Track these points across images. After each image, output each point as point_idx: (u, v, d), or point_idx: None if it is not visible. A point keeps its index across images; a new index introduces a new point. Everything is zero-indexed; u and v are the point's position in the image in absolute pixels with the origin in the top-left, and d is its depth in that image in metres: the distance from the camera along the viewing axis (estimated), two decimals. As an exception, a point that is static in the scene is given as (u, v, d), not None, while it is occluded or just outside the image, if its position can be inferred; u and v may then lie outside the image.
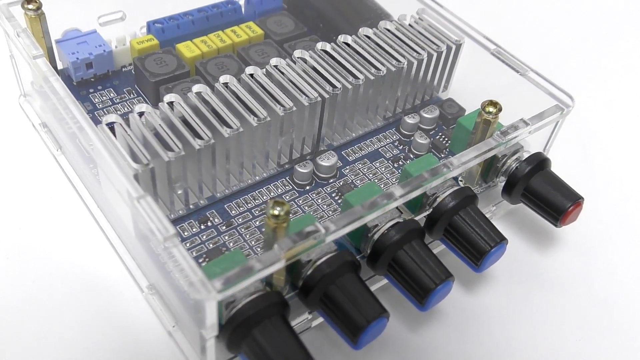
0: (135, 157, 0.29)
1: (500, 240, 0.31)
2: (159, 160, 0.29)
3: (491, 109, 0.32)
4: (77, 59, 0.37)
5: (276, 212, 0.25)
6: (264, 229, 0.32)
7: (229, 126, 0.30)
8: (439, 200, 0.31)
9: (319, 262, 0.27)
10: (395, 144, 0.37)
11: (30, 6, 0.34)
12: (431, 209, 0.31)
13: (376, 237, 0.29)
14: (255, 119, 0.31)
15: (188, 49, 0.38)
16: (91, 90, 0.38)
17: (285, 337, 0.25)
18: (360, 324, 0.26)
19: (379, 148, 0.37)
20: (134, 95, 0.38)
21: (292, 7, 0.44)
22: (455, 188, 0.31)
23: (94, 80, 0.38)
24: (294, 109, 0.32)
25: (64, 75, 0.38)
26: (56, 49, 0.37)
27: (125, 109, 0.37)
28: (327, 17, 0.43)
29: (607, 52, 0.52)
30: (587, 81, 0.48)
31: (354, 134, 0.37)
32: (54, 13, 0.35)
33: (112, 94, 0.38)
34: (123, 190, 0.27)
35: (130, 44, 0.38)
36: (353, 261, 0.28)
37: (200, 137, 0.30)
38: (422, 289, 0.29)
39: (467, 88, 0.41)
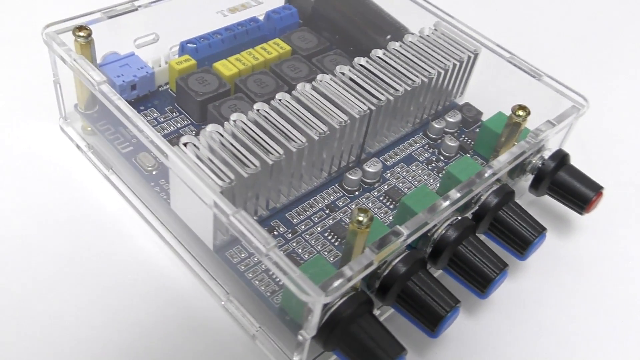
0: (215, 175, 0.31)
1: (542, 230, 0.34)
2: (238, 176, 0.31)
3: (521, 113, 0.36)
4: (124, 81, 0.38)
5: (360, 219, 0.28)
6: (325, 234, 0.34)
7: (294, 141, 0.33)
8: (483, 198, 0.34)
9: (394, 262, 0.30)
10: (425, 147, 0.40)
11: (81, 33, 0.35)
12: (477, 207, 0.34)
13: (436, 236, 0.32)
14: (317, 132, 0.33)
15: (225, 68, 0.40)
16: (135, 111, 0.39)
17: (379, 331, 0.28)
18: (440, 314, 0.29)
19: (412, 152, 0.40)
20: (176, 114, 0.39)
21: (308, 22, 0.47)
22: (496, 187, 0.35)
23: (135, 101, 0.39)
24: (348, 122, 0.34)
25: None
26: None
27: (171, 127, 0.39)
28: (343, 30, 0.46)
29: (602, 54, 0.57)
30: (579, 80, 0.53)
31: (387, 140, 0.40)
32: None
33: (155, 114, 0.39)
34: (211, 206, 0.29)
35: (169, 65, 0.40)
36: (423, 258, 0.31)
37: (270, 153, 0.32)
38: (484, 279, 0.32)
39: (480, 92, 0.44)
